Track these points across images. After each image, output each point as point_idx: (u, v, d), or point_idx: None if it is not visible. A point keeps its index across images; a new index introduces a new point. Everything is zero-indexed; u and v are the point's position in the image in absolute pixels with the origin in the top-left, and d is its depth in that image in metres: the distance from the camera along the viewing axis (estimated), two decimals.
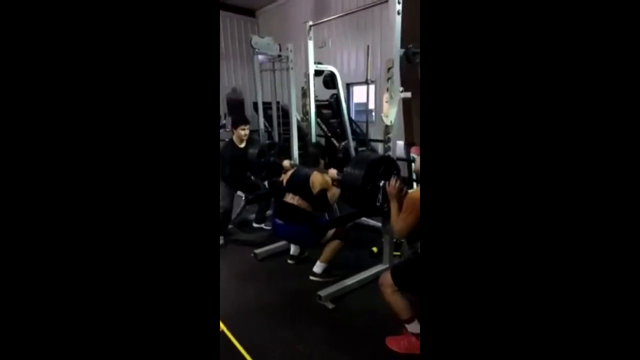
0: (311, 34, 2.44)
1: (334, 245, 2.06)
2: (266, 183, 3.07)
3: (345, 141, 3.33)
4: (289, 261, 2.36)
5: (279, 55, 3.04)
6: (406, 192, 1.60)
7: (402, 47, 1.87)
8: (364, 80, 2.87)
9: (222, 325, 1.69)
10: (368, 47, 2.75)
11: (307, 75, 2.48)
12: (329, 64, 4.28)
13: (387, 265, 2.17)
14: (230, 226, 2.91)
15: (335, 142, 3.82)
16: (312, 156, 2.17)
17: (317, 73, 2.72)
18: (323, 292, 1.88)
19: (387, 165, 1.79)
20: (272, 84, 3.46)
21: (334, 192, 2.01)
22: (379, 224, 2.41)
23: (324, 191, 2.00)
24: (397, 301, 1.47)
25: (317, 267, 2.12)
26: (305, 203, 2.04)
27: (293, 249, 2.36)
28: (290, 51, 2.79)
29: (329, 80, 2.95)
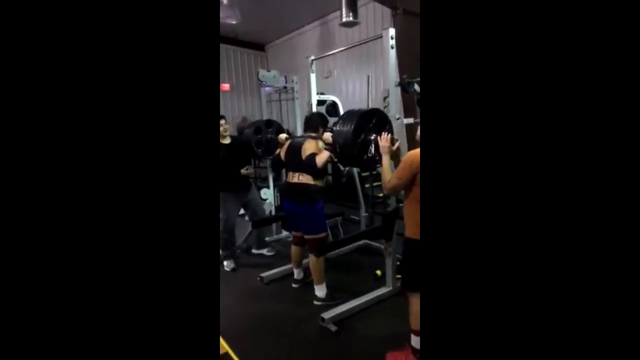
0: (313, 67, 2.60)
1: (314, 264, 2.11)
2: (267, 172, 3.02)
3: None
4: (294, 285, 2.39)
5: (285, 87, 3.23)
6: (398, 148, 1.66)
7: (400, 76, 2.00)
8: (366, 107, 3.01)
9: (226, 347, 1.72)
10: (368, 77, 2.91)
11: (310, 105, 2.62)
12: (334, 92, 4.47)
13: (390, 288, 2.18)
14: (237, 251, 2.97)
15: (340, 166, 3.93)
16: (313, 122, 2.18)
17: (320, 103, 2.87)
18: (326, 315, 1.91)
19: (379, 118, 1.77)
20: (278, 113, 3.63)
21: (321, 157, 1.98)
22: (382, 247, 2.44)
23: (313, 155, 2.00)
24: (415, 307, 1.50)
25: (317, 291, 2.16)
26: (306, 176, 2.05)
27: (296, 273, 2.40)
28: (296, 83, 2.97)
29: (331, 110, 3.09)
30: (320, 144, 2.07)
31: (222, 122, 2.62)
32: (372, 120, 1.78)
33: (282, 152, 2.26)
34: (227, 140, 2.67)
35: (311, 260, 2.13)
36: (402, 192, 1.54)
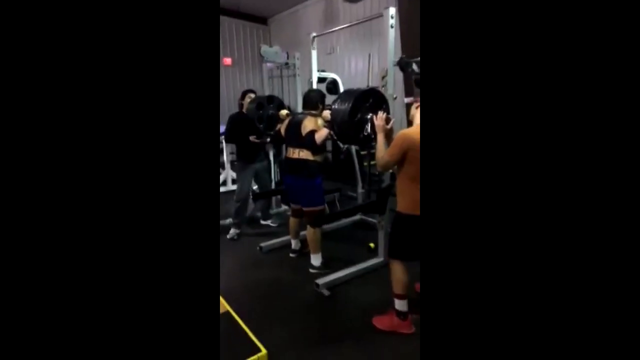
0: (315, 44, 2.63)
1: (309, 235, 2.26)
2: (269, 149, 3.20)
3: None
4: (291, 255, 2.54)
5: (286, 63, 3.25)
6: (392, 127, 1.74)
7: (406, 56, 2.05)
8: (367, 85, 3.05)
9: (227, 306, 1.87)
10: (369, 55, 2.92)
11: (310, 83, 2.67)
12: (337, 69, 4.46)
13: (382, 259, 2.32)
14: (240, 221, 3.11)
15: (340, 144, 4.00)
16: (312, 99, 2.26)
17: (321, 80, 2.91)
18: (320, 281, 2.06)
19: (375, 97, 1.86)
20: (279, 89, 3.66)
21: (321, 134, 2.07)
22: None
23: (313, 132, 2.09)
24: (397, 273, 1.64)
25: (313, 260, 2.31)
26: (306, 152, 2.15)
27: (294, 244, 2.54)
28: (297, 59, 3.00)
29: (332, 87, 3.13)
30: (320, 121, 2.15)
31: (252, 95, 2.86)
32: (368, 100, 1.85)
33: (282, 128, 2.34)
34: None
35: (308, 231, 2.26)
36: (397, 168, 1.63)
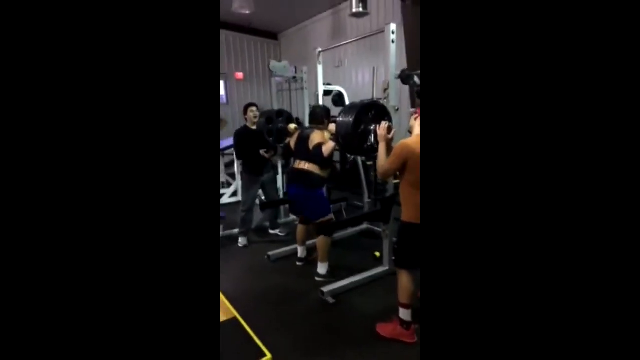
0: (320, 58, 2.73)
1: (320, 243, 2.30)
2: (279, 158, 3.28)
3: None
4: (298, 263, 2.59)
5: (294, 77, 3.36)
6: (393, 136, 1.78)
7: (408, 69, 2.12)
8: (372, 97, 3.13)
9: (235, 312, 1.93)
10: (374, 68, 3.01)
11: (316, 96, 2.76)
12: (344, 82, 4.56)
13: (387, 268, 2.35)
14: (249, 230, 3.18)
15: (347, 154, 4.07)
16: (318, 115, 2.37)
17: (327, 93, 3.00)
18: (326, 289, 2.10)
19: (378, 110, 1.95)
20: (288, 102, 3.77)
21: (328, 146, 2.16)
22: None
23: (320, 145, 2.17)
24: (404, 283, 1.66)
25: (320, 268, 2.35)
26: (312, 165, 2.23)
27: (300, 252, 2.59)
28: (305, 73, 3.11)
29: (338, 100, 3.22)
30: (326, 134, 2.25)
31: (254, 108, 2.91)
32: (371, 112, 1.93)
33: (292, 142, 2.44)
34: (255, 127, 2.90)
35: (319, 238, 2.31)
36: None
